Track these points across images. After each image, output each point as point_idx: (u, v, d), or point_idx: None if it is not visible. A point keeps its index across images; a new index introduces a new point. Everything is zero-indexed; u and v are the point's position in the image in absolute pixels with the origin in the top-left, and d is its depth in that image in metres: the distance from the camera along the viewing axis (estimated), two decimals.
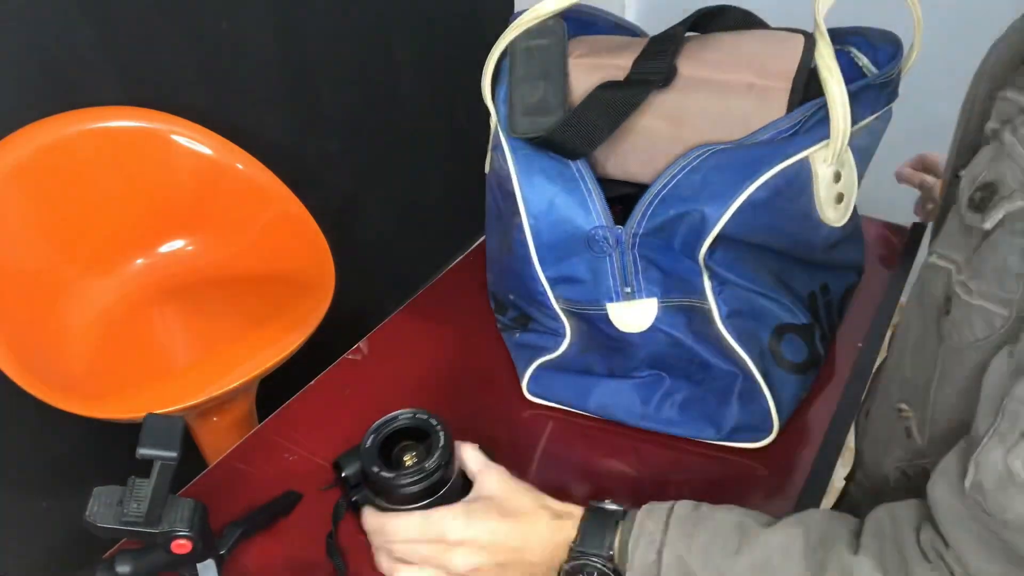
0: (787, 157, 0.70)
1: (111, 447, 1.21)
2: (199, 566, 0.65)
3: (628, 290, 0.76)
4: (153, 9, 1.20)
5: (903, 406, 0.62)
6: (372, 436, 0.64)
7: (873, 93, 0.75)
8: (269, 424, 0.88)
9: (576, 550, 0.59)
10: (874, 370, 0.91)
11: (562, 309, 0.81)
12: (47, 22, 1.08)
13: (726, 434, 0.82)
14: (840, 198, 0.75)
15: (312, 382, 0.94)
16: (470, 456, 0.66)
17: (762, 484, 0.80)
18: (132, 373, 1.14)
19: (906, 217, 1.15)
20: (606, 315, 0.78)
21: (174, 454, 0.59)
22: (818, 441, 0.83)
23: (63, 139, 1.12)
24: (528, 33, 0.76)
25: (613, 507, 0.61)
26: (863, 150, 0.78)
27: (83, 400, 1.03)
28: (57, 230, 1.15)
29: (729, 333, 0.76)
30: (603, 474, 0.81)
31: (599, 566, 0.59)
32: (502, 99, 0.78)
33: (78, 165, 1.14)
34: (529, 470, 0.82)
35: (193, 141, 1.20)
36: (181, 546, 0.62)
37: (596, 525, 0.60)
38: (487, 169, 0.85)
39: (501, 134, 0.78)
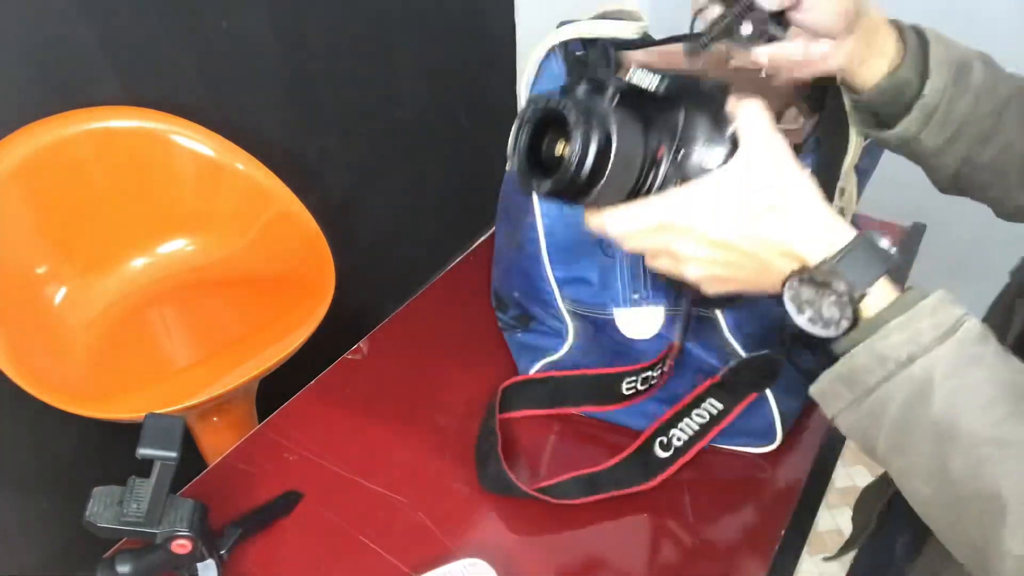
0: None
1: (111, 447, 1.21)
2: (199, 566, 0.66)
3: (636, 296, 0.77)
4: (153, 9, 1.20)
5: None
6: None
7: None
8: (269, 424, 0.88)
9: (828, 267, 0.49)
10: None
11: (567, 310, 0.81)
12: (47, 22, 1.08)
13: (728, 441, 0.82)
14: (841, 212, 0.75)
15: (312, 382, 0.94)
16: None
17: (763, 484, 0.80)
18: (132, 373, 1.13)
19: (906, 217, 1.15)
20: (612, 320, 0.78)
21: (174, 454, 0.59)
22: (818, 442, 0.83)
23: (63, 139, 1.11)
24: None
25: (889, 248, 0.49)
26: (864, 172, 0.79)
27: (83, 400, 1.03)
28: (57, 230, 1.15)
29: (736, 342, 0.76)
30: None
31: (839, 296, 0.48)
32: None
33: (78, 165, 1.14)
34: (530, 469, 0.82)
35: (193, 141, 1.20)
36: (181, 546, 0.62)
37: (864, 257, 0.49)
38: (508, 167, 0.85)
39: None
